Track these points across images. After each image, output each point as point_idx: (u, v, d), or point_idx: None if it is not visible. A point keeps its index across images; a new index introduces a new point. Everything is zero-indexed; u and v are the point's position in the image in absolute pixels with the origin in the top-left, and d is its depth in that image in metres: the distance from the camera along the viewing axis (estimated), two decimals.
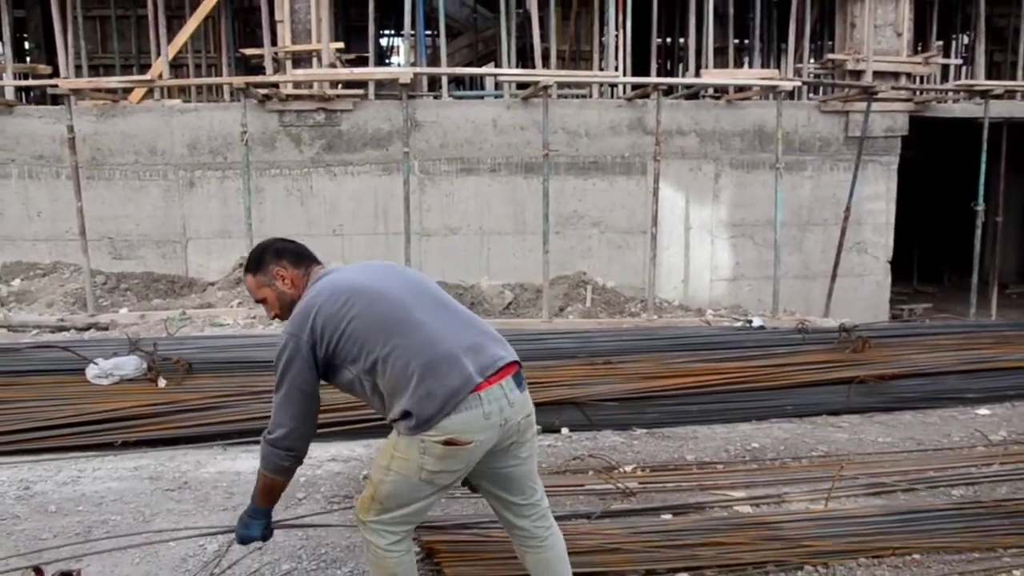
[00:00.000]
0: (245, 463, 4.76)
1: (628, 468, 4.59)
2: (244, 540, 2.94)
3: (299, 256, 2.87)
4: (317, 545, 3.67)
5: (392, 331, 2.57)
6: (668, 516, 3.94)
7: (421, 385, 2.49)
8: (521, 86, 10.28)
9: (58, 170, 9.80)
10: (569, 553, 3.35)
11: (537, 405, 5.21)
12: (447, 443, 2.49)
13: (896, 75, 10.61)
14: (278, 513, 4.09)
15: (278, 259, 2.83)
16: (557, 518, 3.76)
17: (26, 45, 15.21)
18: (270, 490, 2.85)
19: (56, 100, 10.37)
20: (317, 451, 4.93)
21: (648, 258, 9.28)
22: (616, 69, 10.57)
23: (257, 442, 4.99)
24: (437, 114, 9.89)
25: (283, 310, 2.84)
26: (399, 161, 9.25)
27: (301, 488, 4.35)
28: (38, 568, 2.70)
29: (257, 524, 2.88)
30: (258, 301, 2.91)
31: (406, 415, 2.52)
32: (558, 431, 5.28)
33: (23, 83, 10.90)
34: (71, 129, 8.83)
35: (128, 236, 9.96)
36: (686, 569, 3.40)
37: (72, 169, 8.89)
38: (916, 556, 3.54)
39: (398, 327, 2.58)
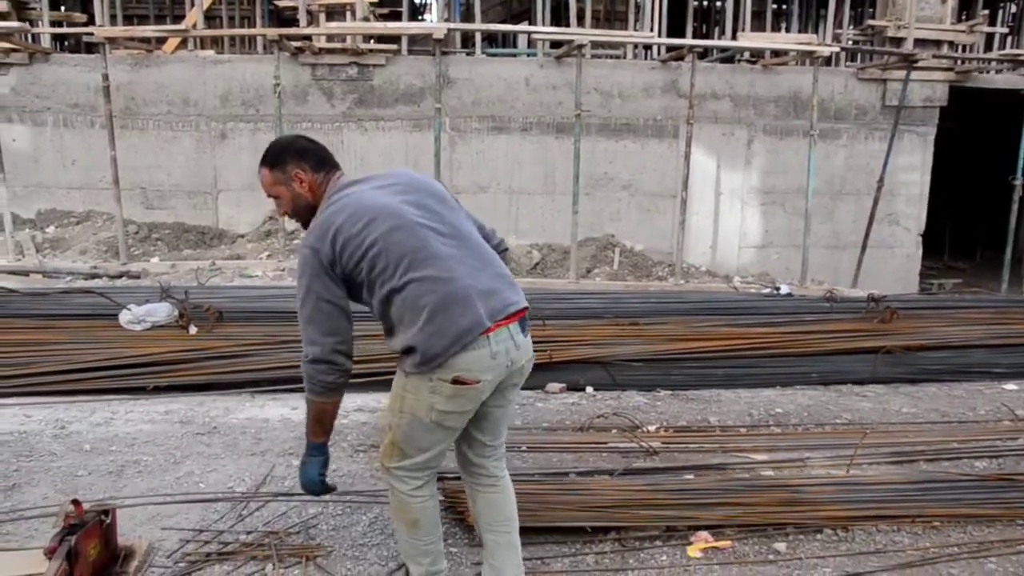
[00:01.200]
0: (272, 410, 4.84)
1: (651, 428, 4.62)
2: (309, 486, 2.78)
3: (320, 160, 2.75)
4: (343, 492, 3.73)
5: (409, 263, 2.50)
6: (690, 476, 3.97)
7: (431, 322, 2.46)
8: (554, 45, 10.21)
9: (92, 119, 9.88)
10: (591, 508, 3.41)
11: (563, 363, 5.32)
12: (455, 381, 2.48)
13: (938, 43, 10.41)
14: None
15: (299, 160, 2.71)
16: (581, 474, 3.83)
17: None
18: (320, 416, 2.71)
19: (91, 49, 10.44)
20: (344, 402, 4.99)
21: (677, 222, 9.25)
22: (651, 30, 10.46)
23: (286, 390, 5.09)
24: (470, 71, 9.84)
25: (295, 212, 2.76)
26: (430, 117, 9.24)
27: None
28: (77, 501, 2.78)
29: (315, 462, 2.75)
30: (269, 195, 2.77)
31: (410, 350, 2.49)
32: (583, 389, 5.31)
33: (59, 30, 10.95)
34: (106, 78, 8.88)
35: (160, 186, 10.06)
36: (706, 527, 3.43)
37: (106, 118, 8.96)
38: (936, 524, 3.55)
39: (415, 258, 2.51)
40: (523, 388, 5.15)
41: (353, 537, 3.34)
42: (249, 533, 3.34)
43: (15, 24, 9.44)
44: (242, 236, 9.89)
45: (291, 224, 9.48)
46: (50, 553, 2.65)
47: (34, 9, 10.44)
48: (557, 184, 9.80)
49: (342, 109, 9.84)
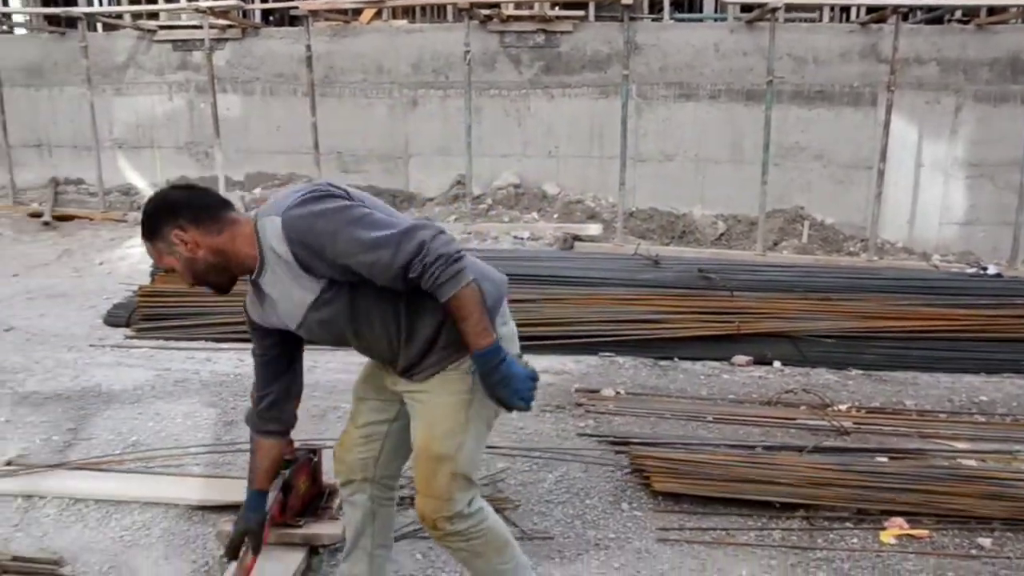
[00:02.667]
0: None
1: (842, 407, 4.46)
2: (530, 382, 2.16)
3: (199, 209, 2.18)
4: (530, 448, 3.85)
5: None
6: (884, 459, 3.80)
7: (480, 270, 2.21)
8: (745, 9, 9.85)
9: (295, 87, 10.48)
10: (779, 483, 3.35)
11: (750, 336, 5.22)
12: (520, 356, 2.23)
13: None
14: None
15: (174, 219, 2.15)
16: (768, 448, 3.77)
17: None
18: (482, 299, 2.09)
19: (294, 22, 11.03)
20: (530, 363, 5.13)
21: (872, 195, 8.78)
22: None
23: None
24: (657, 37, 9.68)
25: (199, 275, 2.22)
26: (616, 84, 9.18)
27: None
28: (289, 439, 3.02)
29: (511, 358, 2.13)
30: (166, 271, 2.35)
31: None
32: (770, 363, 5.19)
33: (268, 6, 11.65)
34: (308, 48, 9.38)
35: (355, 151, 10.55)
36: (900, 513, 3.29)
37: (308, 86, 9.47)
38: None
39: None
40: (709, 359, 5.15)
41: (540, 493, 3.45)
42: None
43: (232, 2, 10.14)
44: (430, 200, 10.23)
45: (477, 188, 9.74)
46: None
47: None
48: (745, 153, 9.51)
49: (529, 76, 9.95)
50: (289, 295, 2.16)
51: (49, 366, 5.12)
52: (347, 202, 2.08)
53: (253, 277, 2.20)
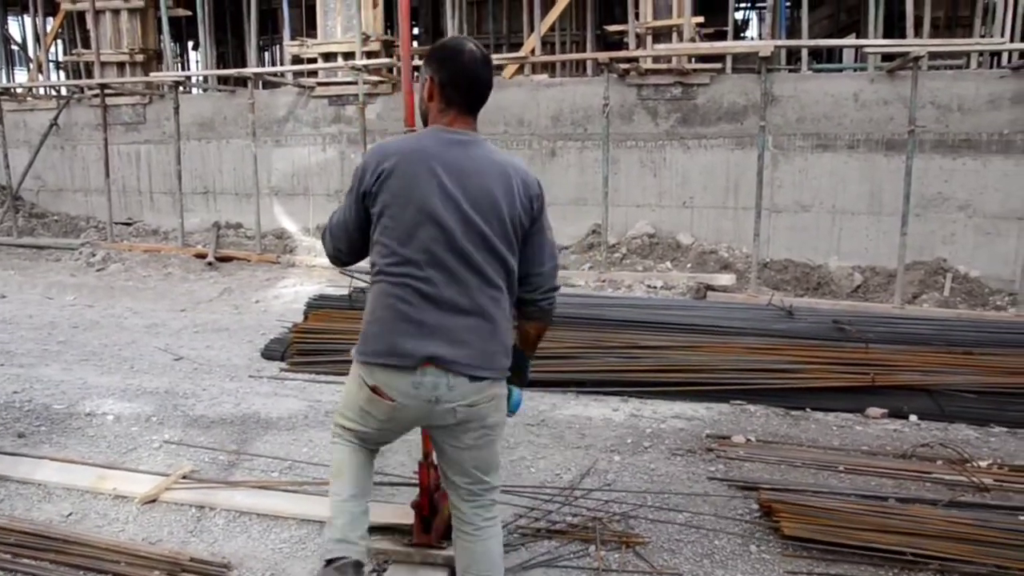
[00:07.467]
0: (595, 410, 5.21)
1: (983, 464, 4.36)
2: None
3: (453, 85, 2.52)
4: (660, 491, 3.99)
5: (400, 244, 2.46)
6: None
7: (380, 321, 2.50)
8: (886, 58, 9.76)
9: None
10: (911, 534, 3.36)
11: (885, 388, 5.17)
12: (373, 390, 2.51)
13: None
14: (626, 457, 4.47)
15: (433, 65, 2.55)
16: (901, 500, 3.77)
17: (416, 30, 17.16)
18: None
19: None
20: (662, 408, 5.28)
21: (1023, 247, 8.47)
22: (1002, 35, 9.66)
23: (607, 392, 5.42)
24: (795, 88, 9.70)
25: (421, 113, 2.67)
26: (752, 135, 9.26)
27: (647, 438, 4.70)
28: (436, 466, 3.28)
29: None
30: None
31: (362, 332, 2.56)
32: (906, 417, 5.12)
33: (416, 63, 12.32)
34: None
35: None
36: None
37: None
38: None
39: (410, 249, 2.45)
40: (841, 410, 5.14)
41: (669, 532, 3.58)
42: (575, 516, 3.69)
43: (384, 60, 10.87)
44: (565, 248, 10.50)
45: (612, 237, 9.95)
46: (415, 507, 3.17)
47: (399, 46, 11.88)
48: (884, 204, 9.34)
49: (665, 128, 10.14)
50: None
51: (214, 393, 5.64)
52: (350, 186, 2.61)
53: None
